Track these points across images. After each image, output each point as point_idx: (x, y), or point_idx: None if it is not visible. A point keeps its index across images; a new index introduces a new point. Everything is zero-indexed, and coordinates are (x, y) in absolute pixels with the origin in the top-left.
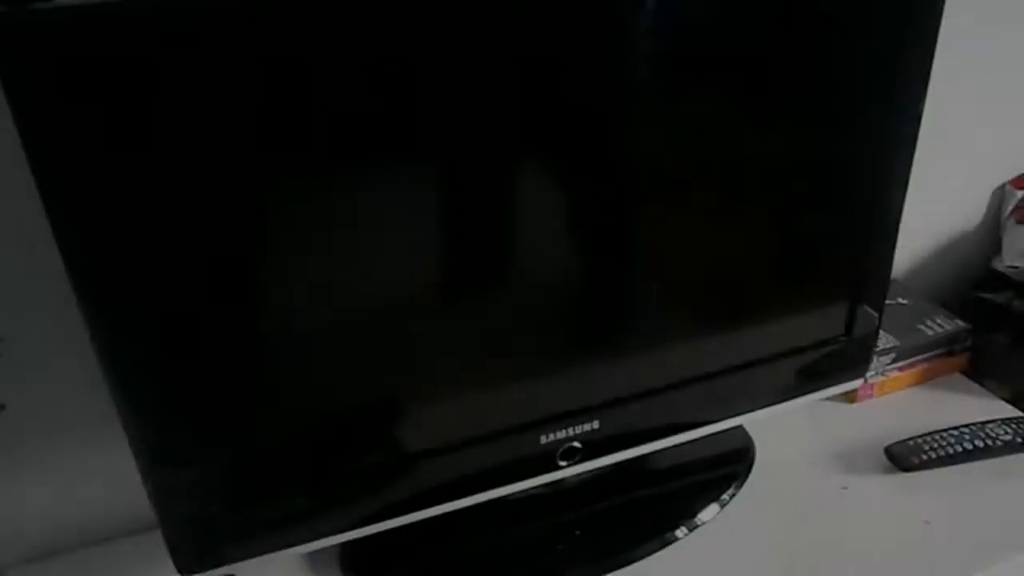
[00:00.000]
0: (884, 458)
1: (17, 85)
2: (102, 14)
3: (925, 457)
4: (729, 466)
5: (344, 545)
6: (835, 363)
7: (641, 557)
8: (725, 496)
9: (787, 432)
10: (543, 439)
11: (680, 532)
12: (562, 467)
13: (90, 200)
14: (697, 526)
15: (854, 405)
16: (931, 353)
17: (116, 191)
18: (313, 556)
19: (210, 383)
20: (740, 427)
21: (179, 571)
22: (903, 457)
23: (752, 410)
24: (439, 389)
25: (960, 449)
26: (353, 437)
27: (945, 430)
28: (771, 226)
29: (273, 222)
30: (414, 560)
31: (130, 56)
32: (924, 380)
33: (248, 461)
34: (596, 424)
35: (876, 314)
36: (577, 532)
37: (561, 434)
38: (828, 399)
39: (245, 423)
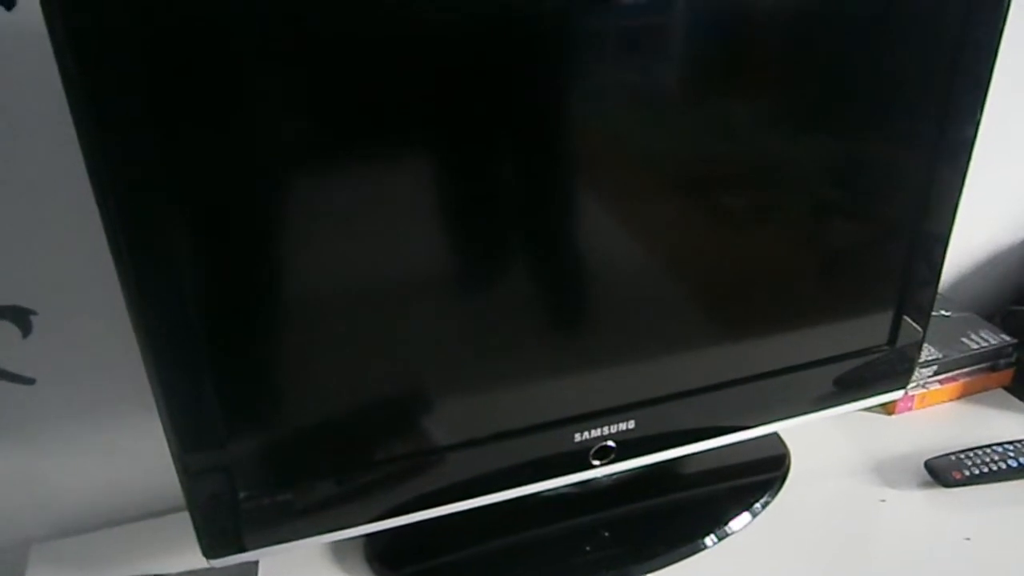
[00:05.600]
0: (924, 472)
1: (68, 44)
2: None
3: (968, 473)
4: (763, 474)
5: (370, 536)
6: (876, 373)
7: (668, 563)
8: (757, 505)
9: (823, 442)
10: (577, 437)
11: (710, 540)
12: (595, 466)
13: (132, 170)
14: (728, 535)
15: (893, 417)
16: (974, 367)
17: (152, 161)
18: (338, 547)
19: (245, 367)
20: (775, 435)
21: (205, 555)
22: (945, 472)
23: (790, 417)
24: (473, 382)
25: (1004, 466)
26: (383, 427)
27: (988, 446)
28: (820, 232)
29: (310, 208)
30: (440, 555)
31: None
32: (965, 394)
33: (279, 447)
34: (631, 424)
35: (921, 325)
36: (605, 533)
37: (595, 432)
38: (866, 410)
39: (277, 408)
